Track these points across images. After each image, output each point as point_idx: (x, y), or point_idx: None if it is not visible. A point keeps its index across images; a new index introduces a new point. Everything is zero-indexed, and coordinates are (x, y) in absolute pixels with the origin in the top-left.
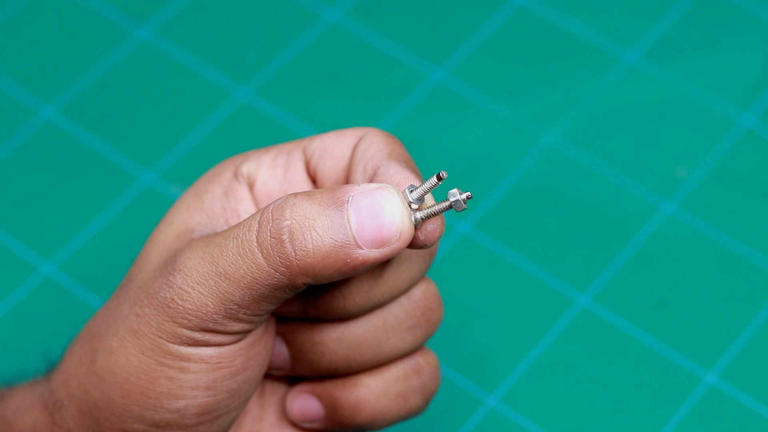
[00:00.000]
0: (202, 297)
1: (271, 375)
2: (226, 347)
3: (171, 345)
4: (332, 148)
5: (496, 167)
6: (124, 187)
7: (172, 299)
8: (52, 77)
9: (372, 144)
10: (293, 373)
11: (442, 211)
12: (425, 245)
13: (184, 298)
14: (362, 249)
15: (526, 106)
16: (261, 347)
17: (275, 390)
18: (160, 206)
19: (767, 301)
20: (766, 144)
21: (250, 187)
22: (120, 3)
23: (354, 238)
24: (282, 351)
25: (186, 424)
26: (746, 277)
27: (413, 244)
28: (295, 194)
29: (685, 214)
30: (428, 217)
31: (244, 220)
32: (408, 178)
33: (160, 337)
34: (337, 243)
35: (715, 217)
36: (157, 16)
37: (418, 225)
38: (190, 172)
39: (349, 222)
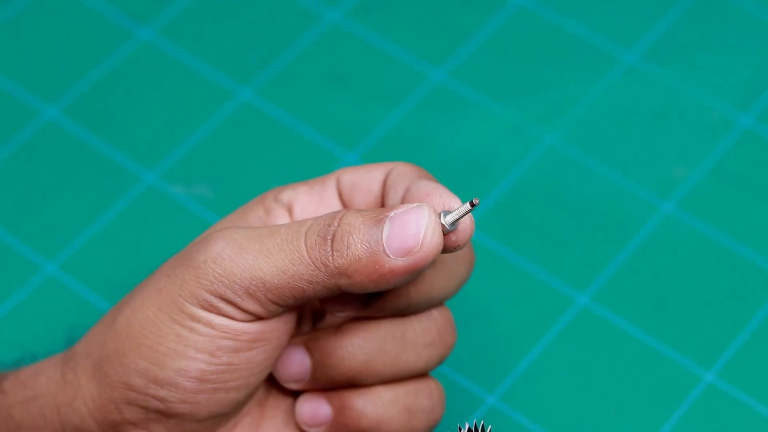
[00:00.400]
0: (234, 266)
1: (281, 389)
2: (236, 322)
3: (187, 304)
4: (362, 184)
5: (496, 167)
6: (127, 186)
7: (205, 260)
8: (55, 77)
9: (401, 173)
10: (311, 385)
11: (469, 212)
12: (458, 246)
13: (217, 262)
14: (389, 257)
15: (526, 107)
16: (269, 340)
17: (278, 404)
18: (162, 206)
19: (766, 301)
20: (765, 144)
21: (289, 211)
22: (122, 4)
23: (383, 245)
24: (303, 360)
25: (184, 387)
26: (745, 276)
27: (446, 248)
28: (349, 209)
29: (684, 213)
30: (457, 219)
31: (302, 220)
32: (437, 188)
33: (180, 296)
34: (368, 249)
35: (714, 216)
36: (159, 16)
37: (452, 229)
38: (191, 172)
39: (382, 233)
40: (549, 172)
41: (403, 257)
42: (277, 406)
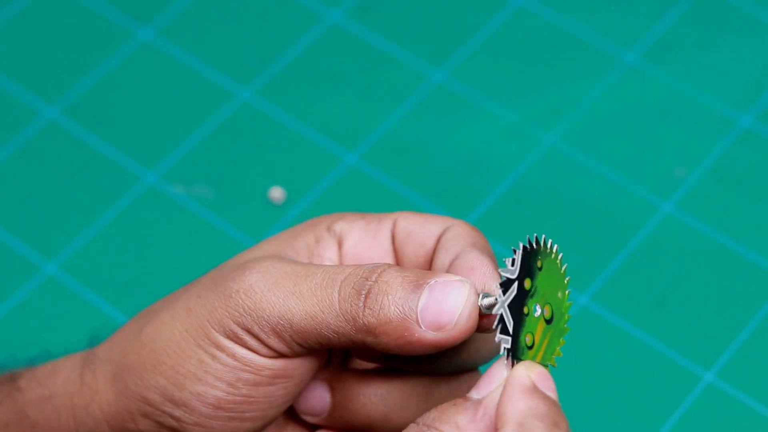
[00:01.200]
0: (265, 302)
1: (300, 421)
2: (258, 356)
3: (213, 331)
4: (416, 234)
5: (496, 167)
6: (127, 187)
7: (237, 291)
8: (55, 78)
9: (456, 234)
10: (327, 423)
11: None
12: (490, 329)
13: (249, 294)
14: (421, 328)
15: (526, 107)
16: (291, 377)
17: None
18: (162, 206)
19: (766, 300)
20: (765, 144)
21: (339, 243)
22: (122, 4)
23: (417, 315)
24: (324, 396)
25: (200, 411)
26: (745, 276)
27: (480, 329)
28: (390, 264)
29: (683, 213)
30: (494, 305)
31: (340, 265)
32: (483, 264)
33: (208, 321)
34: (400, 314)
35: (714, 216)
36: (159, 17)
37: (487, 313)
38: (192, 173)
39: (419, 300)
40: (549, 172)
41: (434, 330)
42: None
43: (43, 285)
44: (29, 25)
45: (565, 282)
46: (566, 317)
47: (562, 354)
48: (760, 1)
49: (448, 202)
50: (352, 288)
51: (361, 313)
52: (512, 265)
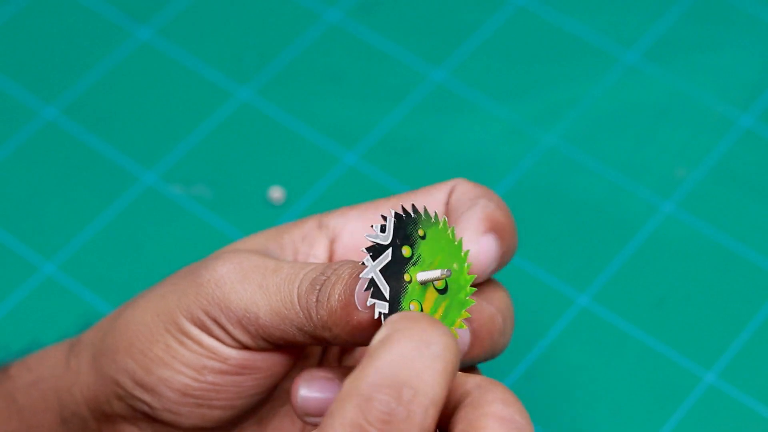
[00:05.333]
0: (233, 294)
1: (288, 413)
2: (224, 346)
3: (181, 317)
4: (425, 204)
5: (496, 167)
6: (125, 187)
7: (208, 280)
8: (53, 77)
9: (464, 192)
10: None
11: (437, 278)
12: None
13: (218, 284)
14: (358, 309)
15: (526, 106)
16: (259, 369)
17: (282, 427)
18: (161, 206)
19: (766, 301)
20: (766, 144)
21: (332, 240)
22: (121, 3)
23: (355, 297)
24: (322, 398)
25: (168, 397)
26: (745, 276)
27: None
28: (351, 261)
29: (684, 213)
30: (426, 280)
31: (307, 262)
32: (467, 229)
33: (177, 307)
34: (342, 301)
35: (715, 216)
36: (158, 16)
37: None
38: (190, 173)
39: (358, 285)
40: (549, 172)
41: (364, 309)
42: (281, 428)
43: (42, 285)
44: (27, 24)
45: (462, 254)
46: (468, 290)
47: (465, 326)
48: (761, 1)
49: None
50: (309, 284)
51: (314, 309)
52: (382, 231)
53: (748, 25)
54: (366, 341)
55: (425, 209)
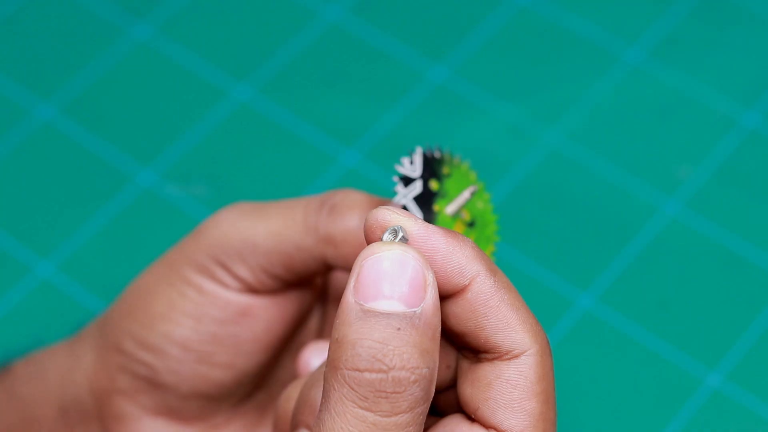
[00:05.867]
0: (232, 228)
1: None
2: (225, 290)
3: (183, 267)
4: None
5: (498, 167)
6: (122, 187)
7: (206, 226)
8: (49, 76)
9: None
10: None
11: (467, 200)
12: None
13: (217, 225)
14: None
15: (528, 105)
16: (257, 318)
17: None
18: (158, 206)
19: None
20: None
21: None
22: (118, 1)
23: (379, 225)
24: None
25: (170, 353)
26: (750, 277)
27: None
28: (359, 190)
29: (688, 213)
30: (457, 209)
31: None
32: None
33: (178, 259)
34: (360, 225)
35: (719, 217)
36: (155, 14)
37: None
38: (188, 172)
39: (381, 213)
40: (551, 172)
41: None
42: None
43: (38, 287)
44: (23, 22)
45: (486, 195)
46: (493, 226)
47: (494, 259)
48: (765, 0)
49: None
50: (317, 202)
51: (323, 222)
52: (411, 164)
53: (752, 24)
54: None
55: (449, 151)
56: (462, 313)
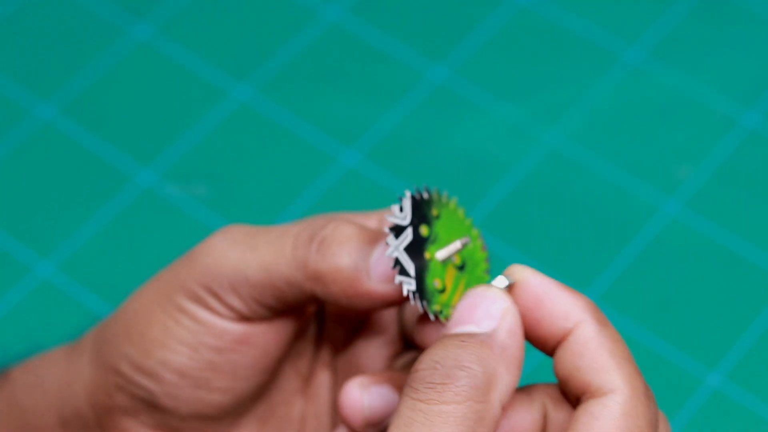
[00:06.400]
0: (223, 258)
1: (288, 409)
2: (220, 319)
3: (177, 294)
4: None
5: (498, 167)
6: (122, 187)
7: (199, 252)
8: (49, 76)
9: None
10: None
11: (458, 250)
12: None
13: (209, 253)
14: (370, 279)
15: (528, 105)
16: (254, 345)
17: (282, 427)
18: (158, 206)
19: None
20: None
21: None
22: (118, 1)
23: (369, 265)
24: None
25: (167, 380)
26: (750, 277)
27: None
28: (349, 221)
29: (688, 213)
30: (447, 256)
31: (298, 221)
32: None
33: (172, 285)
34: (352, 263)
35: (719, 217)
36: (155, 14)
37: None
38: (188, 172)
39: (372, 253)
40: (551, 172)
41: (384, 283)
42: (280, 428)
43: (38, 287)
44: (23, 22)
45: (474, 232)
46: (483, 266)
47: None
48: (765, 0)
49: None
50: (307, 236)
51: (312, 258)
52: (401, 211)
53: (751, 24)
54: (366, 307)
55: (437, 190)
56: (563, 355)
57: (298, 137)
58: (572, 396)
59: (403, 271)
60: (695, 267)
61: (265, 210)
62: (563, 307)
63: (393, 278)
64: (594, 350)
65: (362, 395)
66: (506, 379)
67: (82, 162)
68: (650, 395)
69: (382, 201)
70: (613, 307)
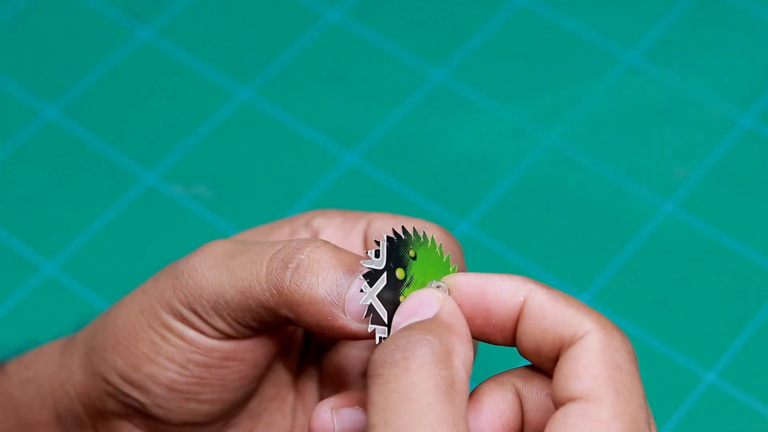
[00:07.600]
0: (204, 280)
1: (280, 407)
2: (207, 338)
3: (162, 312)
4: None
5: (497, 167)
6: (126, 187)
7: (182, 271)
8: (54, 77)
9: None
10: None
11: None
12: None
13: (191, 274)
14: (345, 316)
15: (527, 106)
16: (243, 360)
17: (274, 422)
18: (161, 206)
19: (767, 300)
20: (766, 144)
21: (314, 237)
22: (122, 3)
23: (344, 302)
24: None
25: (156, 393)
26: (746, 276)
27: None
28: (325, 241)
29: (684, 213)
30: None
31: (276, 241)
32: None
33: (158, 302)
34: (327, 298)
35: (715, 216)
36: (159, 16)
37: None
38: (191, 173)
39: (348, 288)
40: (549, 172)
41: (359, 322)
42: (273, 423)
43: (43, 285)
44: (29, 24)
45: (451, 270)
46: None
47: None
48: (761, 1)
49: (448, 203)
50: (281, 260)
51: (286, 286)
52: (376, 256)
53: (748, 26)
54: (339, 339)
55: (414, 230)
56: (525, 327)
57: (300, 138)
58: (547, 363)
59: (377, 319)
60: (692, 266)
61: (267, 210)
62: (507, 287)
63: (362, 318)
64: (552, 308)
65: (333, 418)
66: (461, 347)
67: (87, 162)
68: (622, 332)
69: (383, 201)
70: (610, 307)
